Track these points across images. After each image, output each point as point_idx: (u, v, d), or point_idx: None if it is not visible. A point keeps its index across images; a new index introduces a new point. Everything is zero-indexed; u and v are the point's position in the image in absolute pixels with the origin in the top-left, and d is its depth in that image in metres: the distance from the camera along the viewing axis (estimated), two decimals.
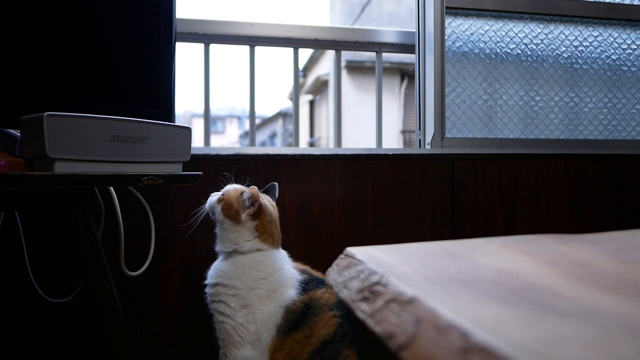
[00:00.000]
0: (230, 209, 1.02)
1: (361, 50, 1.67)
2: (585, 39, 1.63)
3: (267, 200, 1.07)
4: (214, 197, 1.06)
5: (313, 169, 1.36)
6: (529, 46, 1.59)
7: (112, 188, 1.10)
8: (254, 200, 1.01)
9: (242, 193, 1.03)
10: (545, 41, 1.60)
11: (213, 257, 1.10)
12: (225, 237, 1.02)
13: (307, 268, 1.08)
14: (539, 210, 1.50)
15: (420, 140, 1.54)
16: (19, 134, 0.73)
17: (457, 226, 1.45)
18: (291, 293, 0.99)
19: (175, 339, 1.28)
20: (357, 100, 6.78)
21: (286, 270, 1.03)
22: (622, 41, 1.65)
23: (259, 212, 1.02)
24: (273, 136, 12.57)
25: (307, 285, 1.01)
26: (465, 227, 1.45)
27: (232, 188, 1.06)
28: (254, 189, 1.01)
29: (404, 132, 7.35)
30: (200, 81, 1.46)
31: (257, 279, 0.99)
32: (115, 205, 1.08)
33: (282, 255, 1.06)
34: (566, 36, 1.61)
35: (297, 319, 0.97)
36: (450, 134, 1.52)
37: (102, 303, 0.92)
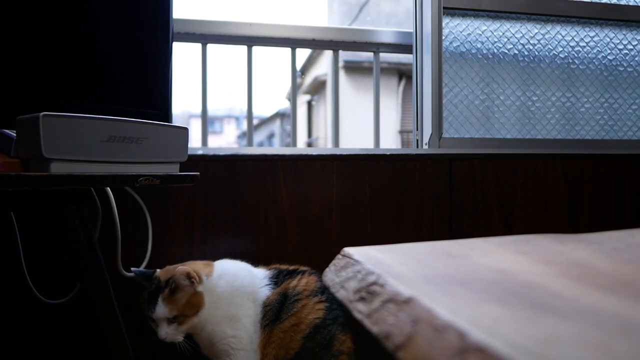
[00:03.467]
0: (187, 304, 0.94)
1: (359, 51, 1.67)
2: (582, 39, 1.63)
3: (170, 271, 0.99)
4: (167, 328, 0.95)
5: (311, 169, 1.36)
6: (526, 46, 1.59)
7: (109, 188, 1.10)
8: (190, 276, 0.95)
9: (173, 291, 0.94)
10: (542, 41, 1.60)
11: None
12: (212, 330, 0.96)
13: (277, 265, 1.09)
14: (536, 210, 1.51)
15: (417, 140, 1.54)
16: (15, 134, 0.73)
17: (454, 226, 1.45)
18: (264, 290, 1.01)
19: None
20: (355, 101, 6.78)
21: (246, 270, 1.04)
22: (618, 41, 1.65)
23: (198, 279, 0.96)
24: (271, 136, 12.57)
25: (278, 278, 1.03)
26: (462, 227, 1.45)
27: (161, 305, 0.94)
28: (180, 270, 0.93)
29: (401, 132, 7.37)
30: (198, 81, 1.46)
31: (231, 293, 0.99)
32: (112, 206, 1.07)
33: (226, 262, 1.06)
34: (563, 36, 1.61)
35: (275, 310, 0.98)
36: (447, 134, 1.52)
37: (99, 304, 0.92)
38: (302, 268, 1.07)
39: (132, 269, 1.00)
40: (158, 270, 1.00)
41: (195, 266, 1.01)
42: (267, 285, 1.02)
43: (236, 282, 1.00)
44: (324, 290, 1.01)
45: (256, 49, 1.51)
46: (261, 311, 0.98)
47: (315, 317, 0.96)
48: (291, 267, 1.07)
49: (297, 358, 0.95)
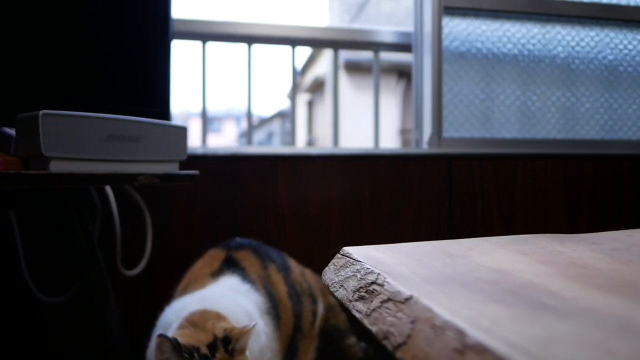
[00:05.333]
0: None
1: (359, 50, 1.67)
2: (582, 39, 1.63)
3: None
4: None
5: (310, 168, 1.36)
6: (525, 46, 1.59)
7: (108, 187, 1.10)
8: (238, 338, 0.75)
9: (230, 353, 0.73)
10: (542, 41, 1.60)
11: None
12: None
13: (216, 268, 0.98)
14: (535, 210, 1.51)
15: (417, 140, 1.54)
16: (14, 133, 0.72)
17: (454, 226, 1.45)
18: (257, 298, 0.93)
19: None
20: (355, 100, 6.78)
21: (226, 290, 0.91)
22: (618, 41, 1.65)
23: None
24: (270, 136, 12.57)
25: (246, 278, 0.94)
26: (462, 227, 1.45)
27: None
28: (242, 330, 0.74)
29: (401, 131, 7.37)
30: (198, 80, 1.46)
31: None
32: (111, 205, 1.07)
33: (212, 301, 0.86)
34: (563, 36, 1.61)
35: (275, 314, 0.94)
36: (447, 133, 1.52)
37: (98, 302, 0.92)
38: (230, 255, 1.00)
39: (161, 335, 0.71)
40: (179, 338, 0.73)
41: (225, 324, 0.78)
42: (250, 291, 0.93)
43: (246, 312, 0.88)
44: (262, 256, 1.02)
45: (256, 50, 1.51)
46: (270, 321, 0.93)
47: (285, 289, 0.99)
48: (223, 258, 0.99)
49: (293, 333, 0.99)
